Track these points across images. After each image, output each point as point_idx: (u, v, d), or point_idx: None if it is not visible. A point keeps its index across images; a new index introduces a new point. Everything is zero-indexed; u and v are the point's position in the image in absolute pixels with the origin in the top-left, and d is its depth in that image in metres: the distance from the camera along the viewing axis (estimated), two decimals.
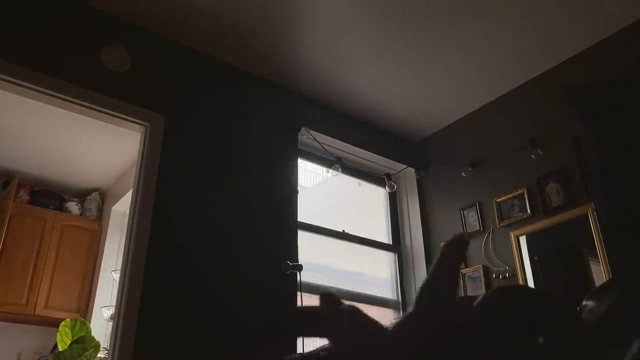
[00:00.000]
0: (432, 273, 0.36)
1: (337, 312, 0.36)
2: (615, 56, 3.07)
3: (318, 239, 3.60)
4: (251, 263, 2.94)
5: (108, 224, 4.63)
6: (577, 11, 2.95)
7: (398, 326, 0.36)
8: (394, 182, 3.98)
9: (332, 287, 3.55)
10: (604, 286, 0.54)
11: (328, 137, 3.70)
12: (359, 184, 4.13)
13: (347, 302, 0.38)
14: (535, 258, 3.22)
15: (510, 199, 3.41)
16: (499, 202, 3.46)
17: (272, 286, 2.97)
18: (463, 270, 3.55)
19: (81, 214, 4.74)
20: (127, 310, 2.44)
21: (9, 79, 2.52)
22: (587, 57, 3.22)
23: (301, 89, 3.64)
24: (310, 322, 0.34)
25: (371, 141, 3.98)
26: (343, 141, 3.78)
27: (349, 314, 0.36)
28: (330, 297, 0.40)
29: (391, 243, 4.05)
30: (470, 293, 3.48)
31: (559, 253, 3.22)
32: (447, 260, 0.36)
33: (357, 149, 3.87)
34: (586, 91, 2.70)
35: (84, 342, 3.65)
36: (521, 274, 3.20)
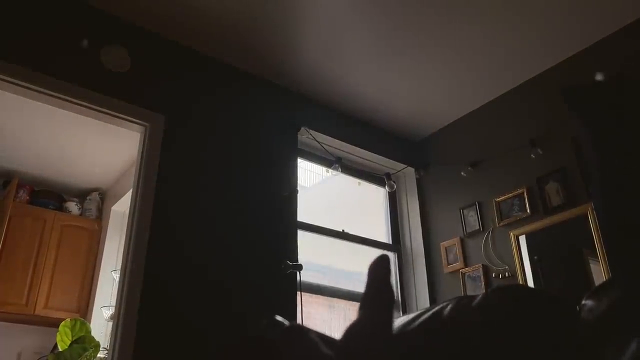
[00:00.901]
0: (366, 288, 0.38)
1: (281, 334, 0.36)
2: (615, 55, 3.07)
3: (318, 238, 3.60)
4: (251, 263, 2.94)
5: (108, 224, 4.63)
6: (577, 10, 2.96)
7: (345, 335, 0.36)
8: (394, 181, 3.98)
9: (332, 286, 3.56)
10: (603, 285, 0.54)
11: (328, 136, 3.70)
12: (359, 183, 4.13)
13: (291, 323, 0.38)
14: (535, 258, 3.22)
15: (510, 198, 3.41)
16: (499, 202, 3.47)
17: (272, 286, 2.97)
18: (463, 270, 3.55)
19: (81, 214, 4.74)
20: (127, 310, 2.44)
21: (9, 79, 2.51)
22: (586, 57, 3.23)
23: (301, 89, 3.64)
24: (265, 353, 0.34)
25: (371, 141, 3.98)
26: (343, 141, 3.78)
27: (292, 334, 0.36)
28: (272, 321, 0.40)
29: (391, 243, 4.05)
30: (470, 293, 3.48)
31: (558, 253, 3.22)
32: (375, 279, 0.38)
33: (357, 148, 3.88)
34: (582, 91, 2.70)
35: (84, 342, 3.65)
36: (521, 274, 3.20)
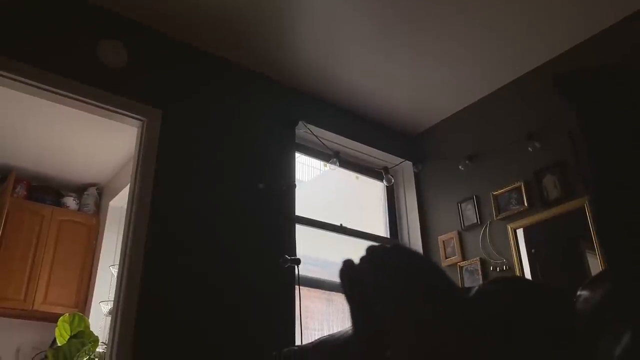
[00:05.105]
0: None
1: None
2: (614, 48, 3.07)
3: (316, 233, 3.61)
4: (249, 257, 2.94)
5: (106, 219, 4.63)
6: (576, 2, 2.95)
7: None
8: (392, 175, 3.98)
9: (330, 280, 3.56)
10: (598, 276, 0.55)
11: (326, 131, 3.70)
12: (357, 177, 4.13)
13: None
14: (533, 251, 3.23)
15: (507, 192, 3.41)
16: (496, 195, 3.47)
17: (270, 280, 2.97)
18: (461, 263, 3.56)
19: (79, 209, 4.73)
20: (126, 305, 2.44)
21: (5, 74, 2.50)
22: (585, 49, 3.22)
23: (299, 83, 3.63)
24: None
25: (369, 135, 3.98)
26: (341, 135, 3.78)
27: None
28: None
29: (389, 236, 4.06)
30: (467, 286, 3.49)
31: (556, 245, 3.23)
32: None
33: (355, 142, 3.87)
34: (575, 77, 2.68)
35: (83, 337, 3.66)
36: (518, 267, 3.21)
